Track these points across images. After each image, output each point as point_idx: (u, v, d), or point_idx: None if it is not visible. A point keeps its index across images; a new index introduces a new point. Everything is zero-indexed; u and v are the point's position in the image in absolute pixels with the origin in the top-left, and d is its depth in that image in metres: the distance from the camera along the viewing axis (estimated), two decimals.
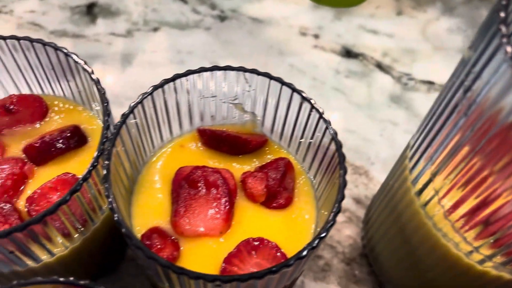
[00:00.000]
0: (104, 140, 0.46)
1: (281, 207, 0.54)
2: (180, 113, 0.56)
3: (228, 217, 0.52)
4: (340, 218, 0.71)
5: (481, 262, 0.44)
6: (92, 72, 0.50)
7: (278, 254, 0.50)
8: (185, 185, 0.53)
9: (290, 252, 0.50)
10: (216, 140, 0.56)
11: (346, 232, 0.70)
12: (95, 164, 0.45)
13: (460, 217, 0.43)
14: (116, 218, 0.42)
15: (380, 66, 0.85)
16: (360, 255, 0.68)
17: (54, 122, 0.56)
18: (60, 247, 0.48)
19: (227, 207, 0.52)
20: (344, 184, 0.45)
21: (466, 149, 0.40)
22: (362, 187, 0.74)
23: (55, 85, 0.57)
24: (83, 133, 0.55)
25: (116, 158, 0.46)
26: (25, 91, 0.58)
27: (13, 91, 0.58)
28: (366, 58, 0.86)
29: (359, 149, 0.77)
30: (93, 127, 0.57)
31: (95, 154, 0.46)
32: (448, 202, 0.44)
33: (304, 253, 0.42)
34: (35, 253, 0.46)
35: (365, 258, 0.67)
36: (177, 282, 0.42)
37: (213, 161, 0.56)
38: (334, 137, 0.48)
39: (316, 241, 0.43)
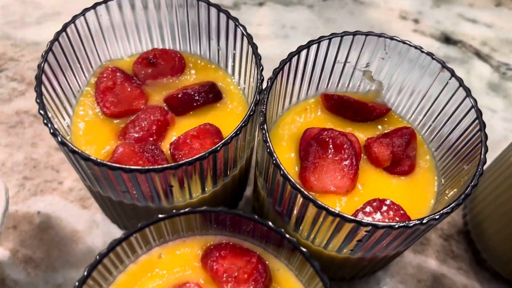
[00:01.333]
0: (257, 99, 0.49)
1: (404, 174, 0.56)
2: (312, 77, 0.58)
3: (355, 177, 0.54)
4: None
5: None
6: (251, 38, 0.53)
7: (401, 213, 0.52)
8: (314, 144, 0.55)
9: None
10: (342, 105, 0.59)
11: None
12: (245, 123, 0.48)
13: None
14: (274, 161, 0.45)
15: (478, 54, 0.86)
16: (458, 232, 0.70)
17: (191, 78, 0.60)
18: (207, 187, 0.52)
19: (354, 168, 0.54)
20: (484, 161, 0.47)
21: None
22: None
23: (193, 43, 0.61)
24: (219, 89, 0.59)
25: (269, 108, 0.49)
26: (166, 45, 0.62)
27: (156, 44, 0.61)
28: (465, 45, 0.87)
29: None
30: (226, 85, 0.60)
31: (248, 113, 0.48)
32: None
33: (437, 216, 0.44)
34: (182, 193, 0.50)
35: (463, 235, 0.69)
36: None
37: (336, 126, 0.59)
38: (476, 112, 0.49)
39: (451, 208, 0.45)
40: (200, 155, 0.45)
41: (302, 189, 0.44)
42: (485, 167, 0.47)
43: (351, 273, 0.59)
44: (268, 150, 0.46)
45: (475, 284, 0.66)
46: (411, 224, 0.44)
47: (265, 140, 0.47)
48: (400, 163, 0.56)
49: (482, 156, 0.47)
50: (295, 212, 0.49)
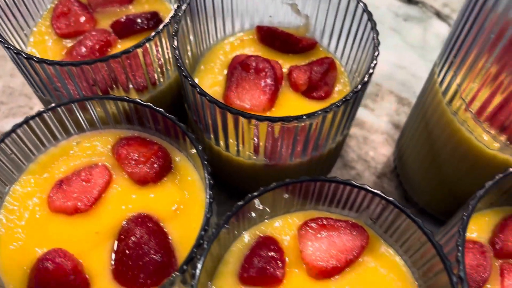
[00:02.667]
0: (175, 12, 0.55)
1: (320, 99, 0.61)
2: (243, 10, 0.64)
3: (272, 98, 0.59)
4: (378, 138, 0.76)
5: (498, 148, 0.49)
6: None
7: None
8: (239, 67, 0.61)
9: None
10: (271, 35, 0.64)
11: (381, 151, 0.75)
12: (165, 25, 0.54)
13: (478, 109, 0.48)
14: (180, 66, 0.51)
15: (438, 15, 0.89)
16: (391, 171, 0.73)
17: (139, 8, 0.67)
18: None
19: (272, 89, 0.59)
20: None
21: (485, 56, 0.45)
22: (403, 115, 0.78)
23: None
24: (160, 18, 0.65)
25: (183, 31, 0.55)
26: None
27: None
28: (425, 6, 0.90)
29: (406, 83, 0.82)
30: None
31: (159, 29, 0.54)
32: (468, 96, 0.49)
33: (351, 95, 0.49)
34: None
35: (395, 175, 0.73)
36: (220, 122, 0.51)
37: (266, 55, 0.64)
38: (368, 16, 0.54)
39: (359, 87, 0.49)
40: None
41: (206, 95, 0.49)
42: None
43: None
44: (177, 61, 0.52)
45: None
46: (305, 117, 0.48)
47: (174, 55, 0.52)
48: (317, 89, 0.61)
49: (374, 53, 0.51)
50: (204, 118, 0.54)
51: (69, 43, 0.63)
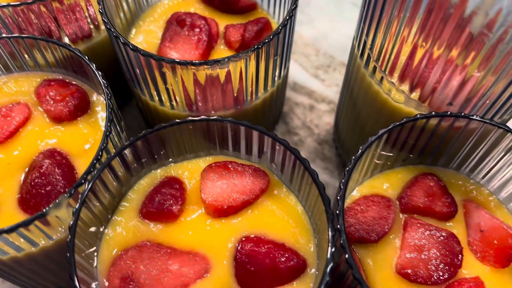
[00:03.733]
0: None
1: None
2: None
3: (205, 53, 0.61)
4: (324, 107, 0.77)
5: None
6: None
7: None
8: (174, 23, 0.63)
9: None
10: None
11: (325, 120, 0.76)
12: None
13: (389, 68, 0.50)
14: (108, 28, 0.53)
15: None
16: (332, 139, 0.74)
17: None
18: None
19: (205, 45, 0.61)
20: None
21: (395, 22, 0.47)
22: None
23: None
24: None
25: None
26: None
27: None
28: None
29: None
30: None
31: None
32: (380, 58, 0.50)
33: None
34: None
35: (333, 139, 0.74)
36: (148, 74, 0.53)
37: (206, 14, 0.66)
38: None
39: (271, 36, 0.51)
40: None
41: (138, 49, 0.51)
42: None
43: None
44: (105, 23, 0.53)
45: (336, 183, 0.70)
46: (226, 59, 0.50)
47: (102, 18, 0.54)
48: (250, 46, 0.62)
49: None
50: (136, 75, 0.56)
51: None
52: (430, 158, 0.52)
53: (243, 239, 0.46)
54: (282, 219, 0.48)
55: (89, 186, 0.42)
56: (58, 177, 0.47)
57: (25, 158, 0.50)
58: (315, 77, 0.80)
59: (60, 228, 0.45)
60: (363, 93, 0.56)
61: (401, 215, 0.50)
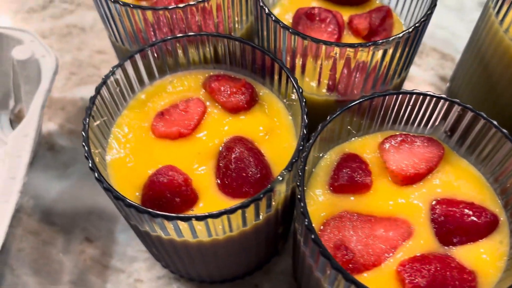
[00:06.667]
0: None
1: None
2: None
3: (339, 37, 0.64)
4: (426, 89, 0.81)
5: None
6: None
7: None
8: (303, 17, 0.66)
9: None
10: None
11: None
12: None
13: None
14: (266, 13, 0.56)
15: None
16: None
17: None
18: None
19: (337, 34, 0.64)
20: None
21: None
22: (448, 70, 0.84)
23: None
24: None
25: None
26: None
27: None
28: None
29: (448, 40, 0.87)
30: None
31: None
32: None
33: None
34: None
35: None
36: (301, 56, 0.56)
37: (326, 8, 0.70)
38: None
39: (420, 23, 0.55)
40: None
41: (289, 28, 0.54)
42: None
43: None
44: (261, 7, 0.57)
45: None
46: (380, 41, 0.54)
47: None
48: (377, 34, 0.66)
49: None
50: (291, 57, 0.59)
51: None
52: None
53: (435, 202, 0.50)
54: (463, 182, 0.51)
55: (303, 162, 0.45)
56: (252, 160, 0.50)
57: (213, 147, 0.53)
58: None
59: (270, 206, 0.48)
60: (501, 59, 0.59)
61: None
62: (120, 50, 0.68)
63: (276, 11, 0.71)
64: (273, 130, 0.54)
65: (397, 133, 0.54)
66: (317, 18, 0.66)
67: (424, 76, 0.83)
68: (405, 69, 0.63)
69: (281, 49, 0.59)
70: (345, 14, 0.69)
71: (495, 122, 0.48)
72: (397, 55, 0.58)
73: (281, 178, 0.45)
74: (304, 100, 0.50)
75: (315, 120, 0.53)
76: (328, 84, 0.61)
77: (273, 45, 0.60)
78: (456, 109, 0.50)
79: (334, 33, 0.65)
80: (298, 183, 0.45)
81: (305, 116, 0.49)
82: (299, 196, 0.44)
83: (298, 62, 0.59)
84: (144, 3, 0.69)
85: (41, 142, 0.76)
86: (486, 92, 0.64)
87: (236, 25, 0.66)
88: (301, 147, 0.47)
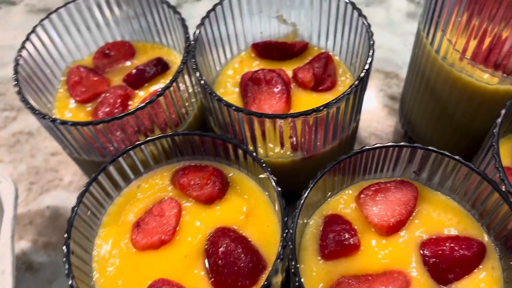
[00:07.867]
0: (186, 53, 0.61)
1: (328, 89, 0.68)
2: (238, 34, 0.71)
3: (287, 101, 0.65)
4: (382, 112, 0.83)
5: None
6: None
7: None
8: (250, 83, 0.67)
9: None
10: (267, 48, 0.71)
11: (387, 123, 0.82)
12: (183, 63, 0.60)
13: (472, 54, 0.56)
14: (204, 86, 0.56)
15: None
16: (402, 137, 0.81)
17: (142, 59, 0.72)
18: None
19: (285, 93, 0.65)
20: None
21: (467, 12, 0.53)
22: (395, 87, 0.86)
23: (138, 34, 0.74)
24: (165, 62, 0.71)
25: (198, 61, 0.61)
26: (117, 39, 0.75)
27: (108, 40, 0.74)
28: None
29: (387, 58, 0.90)
30: (172, 58, 0.72)
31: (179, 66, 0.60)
32: (460, 47, 0.57)
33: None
34: None
35: (408, 139, 0.80)
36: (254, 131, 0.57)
37: (268, 67, 0.71)
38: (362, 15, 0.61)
39: (363, 74, 0.56)
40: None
41: (243, 110, 0.55)
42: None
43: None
44: (201, 82, 0.58)
45: None
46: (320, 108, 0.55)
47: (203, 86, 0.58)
48: (322, 82, 0.68)
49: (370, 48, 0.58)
50: (241, 133, 0.60)
51: (90, 106, 0.68)
52: None
53: (422, 244, 0.51)
54: (442, 214, 0.53)
55: (290, 245, 0.46)
56: (240, 250, 0.50)
57: (197, 245, 0.52)
58: None
59: None
60: (445, 83, 0.62)
61: None
62: (77, 159, 0.67)
63: (229, 72, 0.71)
64: (252, 211, 0.55)
65: (370, 183, 0.55)
66: (263, 81, 0.67)
67: (375, 99, 0.85)
68: (359, 111, 0.65)
69: (236, 122, 0.59)
70: (288, 68, 0.70)
71: (457, 157, 0.50)
72: (350, 104, 0.59)
73: (275, 271, 0.46)
74: (275, 179, 0.51)
75: (286, 180, 0.54)
76: (292, 145, 0.61)
77: (228, 119, 0.60)
78: (419, 152, 0.52)
79: (283, 92, 0.65)
80: (292, 264, 0.45)
81: (280, 197, 0.50)
82: (293, 271, 0.45)
83: (258, 131, 0.59)
84: (89, 105, 0.69)
85: (17, 264, 0.74)
86: (438, 113, 0.67)
87: (188, 108, 0.66)
88: (285, 234, 0.47)
